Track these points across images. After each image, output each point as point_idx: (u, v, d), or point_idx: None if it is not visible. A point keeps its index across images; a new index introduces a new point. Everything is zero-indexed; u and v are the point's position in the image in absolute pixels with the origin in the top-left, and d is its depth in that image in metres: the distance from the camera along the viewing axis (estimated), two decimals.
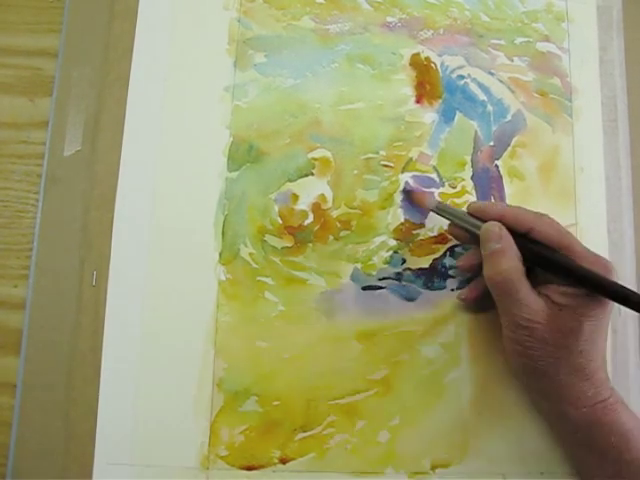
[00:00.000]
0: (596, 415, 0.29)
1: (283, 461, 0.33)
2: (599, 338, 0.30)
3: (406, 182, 0.36)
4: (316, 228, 0.36)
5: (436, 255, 0.36)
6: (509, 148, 0.38)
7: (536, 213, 0.32)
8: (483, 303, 0.34)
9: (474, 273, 0.35)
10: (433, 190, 0.37)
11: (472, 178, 0.37)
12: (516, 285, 0.30)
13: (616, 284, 0.29)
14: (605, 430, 0.29)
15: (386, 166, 0.37)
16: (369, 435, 0.34)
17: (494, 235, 0.31)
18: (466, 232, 0.34)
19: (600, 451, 0.29)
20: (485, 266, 0.32)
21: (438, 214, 0.35)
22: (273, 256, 0.35)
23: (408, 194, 0.36)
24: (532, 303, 0.30)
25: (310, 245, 0.35)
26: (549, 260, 0.31)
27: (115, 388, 0.33)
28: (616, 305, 0.30)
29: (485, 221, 0.32)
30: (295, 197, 0.36)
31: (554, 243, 0.31)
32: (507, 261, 0.31)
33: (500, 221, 0.32)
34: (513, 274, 0.30)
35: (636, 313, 0.36)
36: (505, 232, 0.31)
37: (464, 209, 0.34)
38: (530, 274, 0.31)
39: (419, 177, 0.37)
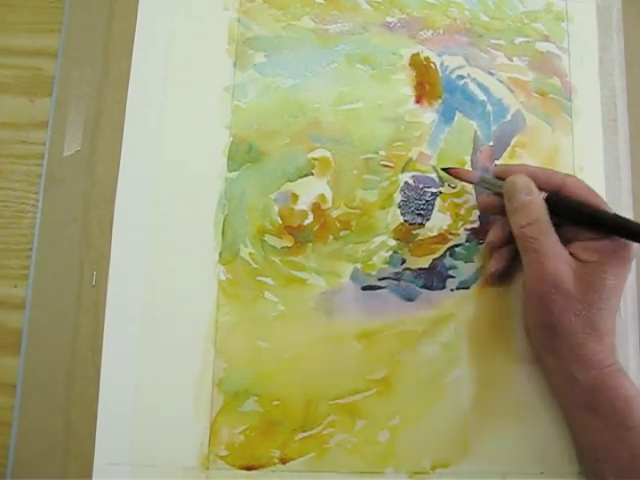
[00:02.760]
0: (603, 379, 0.30)
1: (283, 461, 0.33)
2: (615, 300, 0.31)
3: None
4: (316, 228, 0.36)
5: (436, 255, 0.36)
6: (509, 148, 0.38)
7: (564, 174, 0.33)
8: (505, 275, 0.35)
9: (495, 213, 0.35)
10: (433, 190, 0.37)
11: None
12: (545, 235, 0.31)
13: None
14: (610, 395, 0.30)
15: (386, 166, 0.37)
16: (369, 435, 0.34)
17: (523, 187, 0.32)
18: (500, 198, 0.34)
19: (604, 415, 0.30)
20: (514, 218, 0.32)
21: (483, 187, 0.35)
22: (273, 256, 0.35)
23: (447, 170, 0.36)
24: (560, 254, 0.31)
25: (310, 245, 0.35)
26: (579, 213, 0.32)
27: (115, 388, 0.33)
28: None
29: None
30: (295, 197, 0.36)
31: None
32: (537, 212, 0.31)
33: None
34: (543, 224, 0.31)
35: (636, 313, 0.36)
36: (534, 185, 0.32)
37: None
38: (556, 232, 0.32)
39: (419, 177, 0.37)
